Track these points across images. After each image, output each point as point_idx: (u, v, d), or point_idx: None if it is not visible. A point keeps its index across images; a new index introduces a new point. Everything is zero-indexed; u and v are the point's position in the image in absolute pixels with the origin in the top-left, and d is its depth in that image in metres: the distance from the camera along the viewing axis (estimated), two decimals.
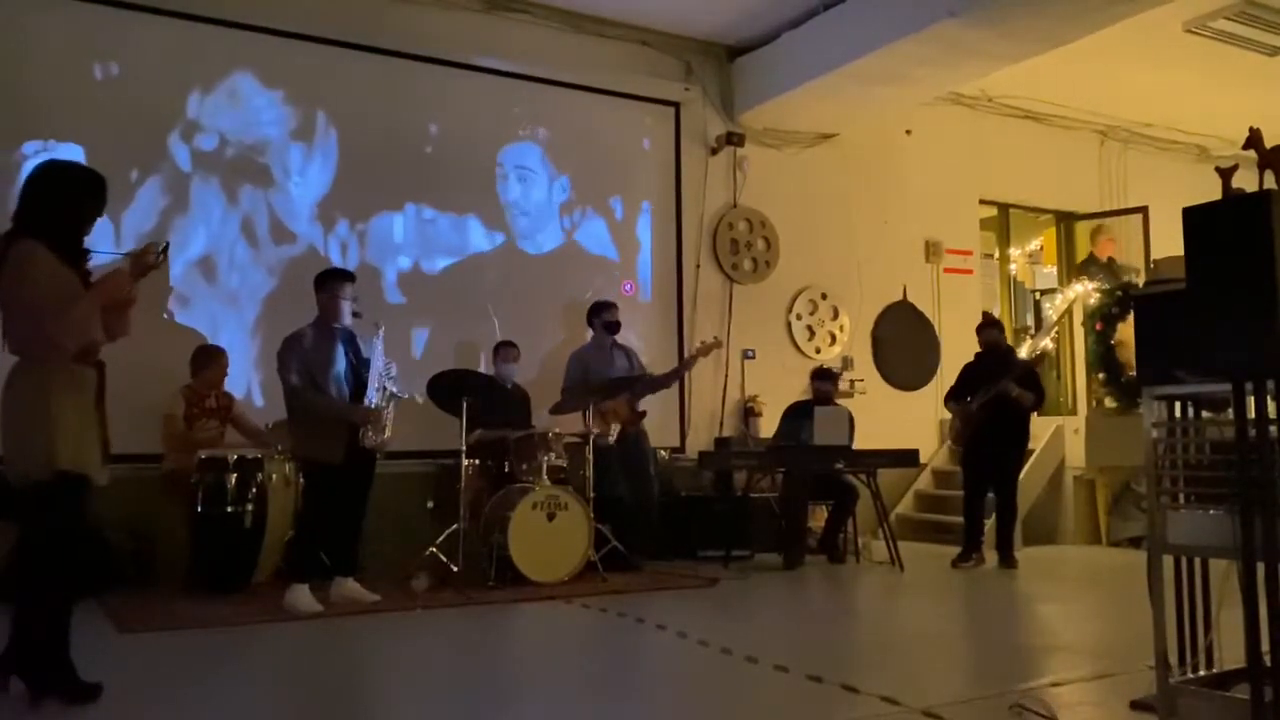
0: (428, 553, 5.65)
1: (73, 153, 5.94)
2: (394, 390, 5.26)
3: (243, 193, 6.58)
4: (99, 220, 3.28)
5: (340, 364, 5.14)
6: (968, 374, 7.05)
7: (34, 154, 5.90)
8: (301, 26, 6.76)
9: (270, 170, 6.68)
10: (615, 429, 6.60)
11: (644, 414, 6.81)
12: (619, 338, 6.98)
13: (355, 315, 5.25)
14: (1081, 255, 9.95)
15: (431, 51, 7.20)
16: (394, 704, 3.44)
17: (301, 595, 4.88)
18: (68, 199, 3.16)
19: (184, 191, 6.42)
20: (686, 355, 7.52)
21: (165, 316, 6.28)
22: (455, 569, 5.52)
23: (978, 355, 7.14)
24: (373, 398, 5.12)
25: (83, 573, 3.28)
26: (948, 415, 7.41)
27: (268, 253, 6.64)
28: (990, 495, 6.82)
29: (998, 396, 6.63)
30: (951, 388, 7.16)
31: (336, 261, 6.60)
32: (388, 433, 5.16)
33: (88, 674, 3.18)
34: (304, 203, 6.78)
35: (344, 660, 4.17)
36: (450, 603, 5.12)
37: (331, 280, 5.26)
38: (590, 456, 6.10)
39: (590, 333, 6.99)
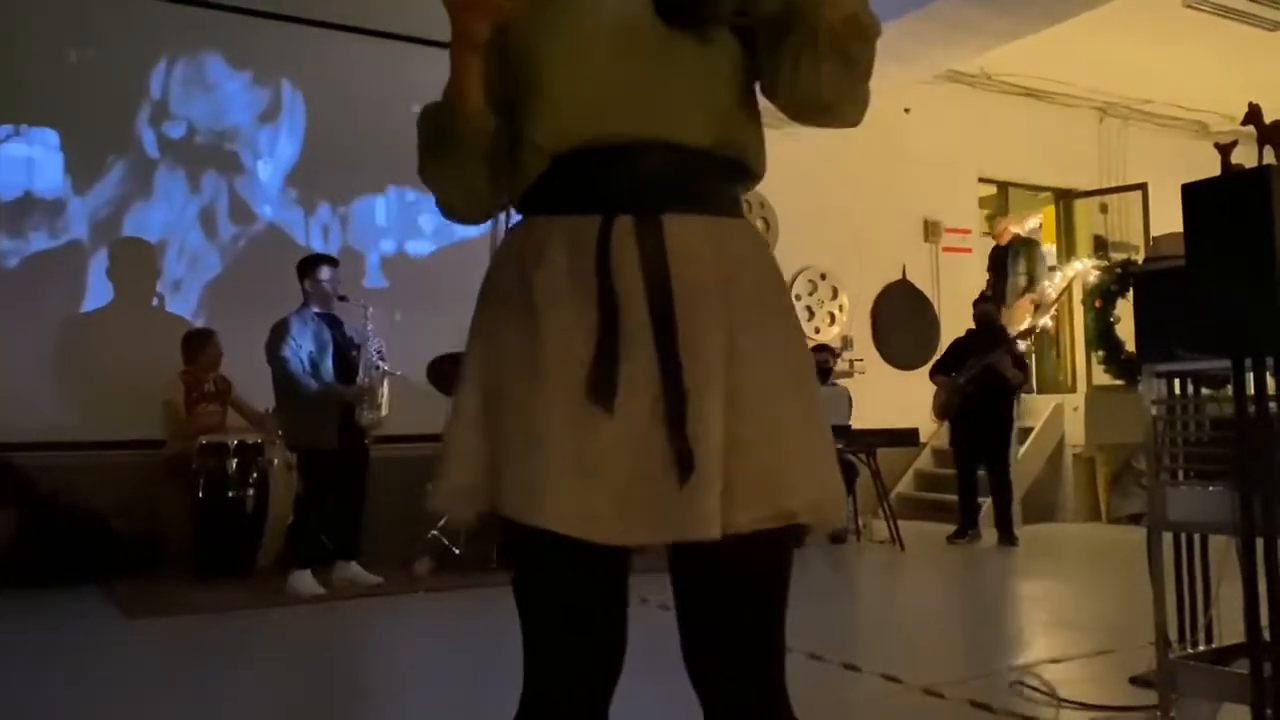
0: (430, 535, 5.66)
1: (47, 137, 5.96)
2: (385, 368, 5.30)
3: (213, 177, 6.54)
4: None
5: (328, 349, 5.15)
6: (956, 348, 7.03)
7: (5, 138, 5.91)
8: (286, 8, 6.70)
9: (239, 156, 6.63)
10: None
11: None
12: None
13: (341, 299, 5.28)
14: (1081, 233, 9.94)
15: (417, 32, 7.12)
16: (399, 685, 3.45)
17: (303, 579, 4.90)
18: None
19: (152, 175, 6.39)
20: None
21: (154, 303, 6.29)
22: (457, 551, 5.54)
23: (969, 330, 7.13)
24: (364, 377, 5.17)
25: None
26: None
27: (249, 236, 6.59)
28: (982, 473, 6.83)
29: (986, 371, 6.62)
30: (938, 360, 7.14)
31: (318, 246, 6.55)
32: (384, 410, 5.21)
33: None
34: (272, 186, 6.74)
35: (348, 643, 4.19)
36: (453, 585, 5.14)
37: (315, 265, 5.28)
38: None
39: None
